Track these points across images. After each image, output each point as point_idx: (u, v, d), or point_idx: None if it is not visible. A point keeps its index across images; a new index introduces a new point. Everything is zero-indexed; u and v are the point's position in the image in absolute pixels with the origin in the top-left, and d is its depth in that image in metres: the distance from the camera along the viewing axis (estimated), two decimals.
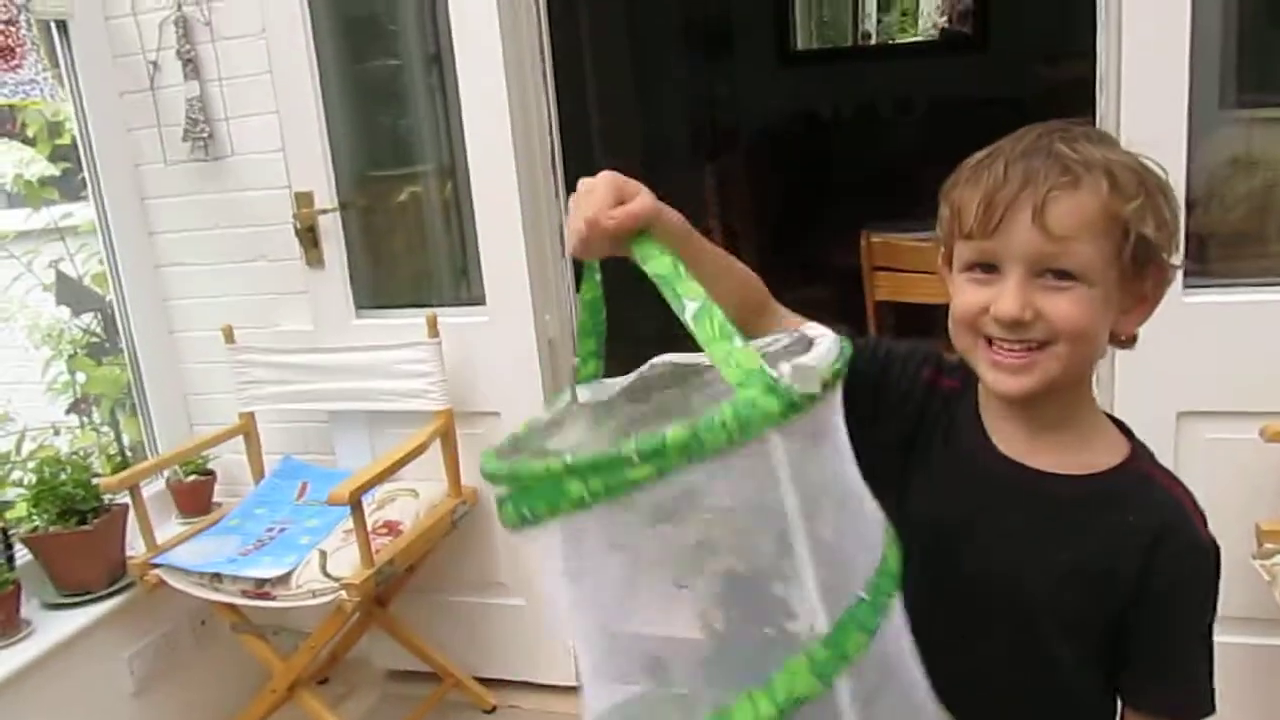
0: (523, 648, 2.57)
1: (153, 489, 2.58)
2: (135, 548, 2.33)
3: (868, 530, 0.80)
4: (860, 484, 0.80)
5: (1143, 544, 0.91)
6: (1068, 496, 0.93)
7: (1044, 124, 0.92)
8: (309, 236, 2.45)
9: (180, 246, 2.68)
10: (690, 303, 0.74)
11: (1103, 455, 0.96)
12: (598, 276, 0.89)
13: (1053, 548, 0.93)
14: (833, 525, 0.75)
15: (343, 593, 2.08)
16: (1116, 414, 2.12)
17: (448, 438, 2.38)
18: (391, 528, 2.28)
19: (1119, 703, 0.99)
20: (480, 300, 2.42)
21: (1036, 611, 0.94)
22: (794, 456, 0.70)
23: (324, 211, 2.44)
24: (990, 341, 0.91)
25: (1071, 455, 0.95)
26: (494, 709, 2.54)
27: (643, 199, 0.84)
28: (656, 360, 0.93)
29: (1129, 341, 0.96)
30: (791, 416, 0.68)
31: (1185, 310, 2.01)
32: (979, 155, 0.93)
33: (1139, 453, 0.97)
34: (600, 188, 0.84)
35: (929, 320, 3.20)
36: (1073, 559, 0.92)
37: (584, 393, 0.91)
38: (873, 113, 5.18)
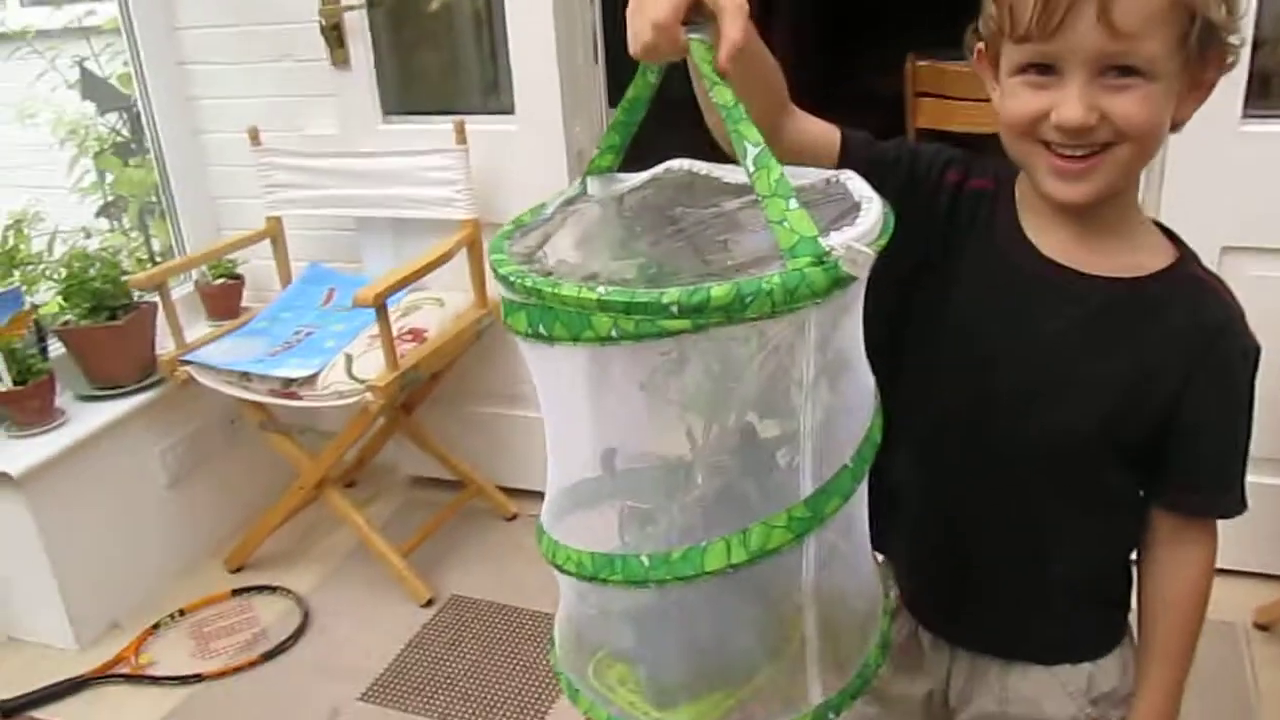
0: (544, 458, 2.61)
1: (181, 291, 2.61)
2: (165, 347, 2.36)
3: (863, 399, 0.82)
4: (862, 351, 0.79)
5: (1192, 346, 0.90)
6: (1116, 299, 0.91)
7: None
8: (334, 35, 2.38)
9: (206, 43, 2.61)
10: (752, 147, 0.71)
11: (1150, 258, 0.92)
12: (652, 77, 0.85)
13: (1100, 350, 0.91)
14: (838, 394, 0.76)
15: (368, 394, 2.11)
16: None
17: (474, 248, 2.36)
18: (416, 335, 2.29)
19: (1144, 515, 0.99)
20: (509, 109, 2.36)
21: (1079, 417, 0.92)
22: (823, 328, 0.71)
23: (350, 8, 2.36)
24: (1049, 146, 0.86)
25: (1119, 258, 0.91)
26: (515, 516, 2.61)
27: (734, 13, 0.75)
28: (673, 164, 0.90)
29: (1177, 126, 0.90)
30: (834, 293, 0.68)
31: (1242, 139, 1.93)
32: None
33: (1187, 256, 0.94)
34: None
35: (973, 149, 3.10)
36: (1121, 361, 0.91)
37: (595, 184, 0.88)
38: None
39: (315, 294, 2.54)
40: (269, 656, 2.18)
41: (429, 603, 2.30)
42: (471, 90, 2.58)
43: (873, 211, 0.73)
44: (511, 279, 0.72)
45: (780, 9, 3.90)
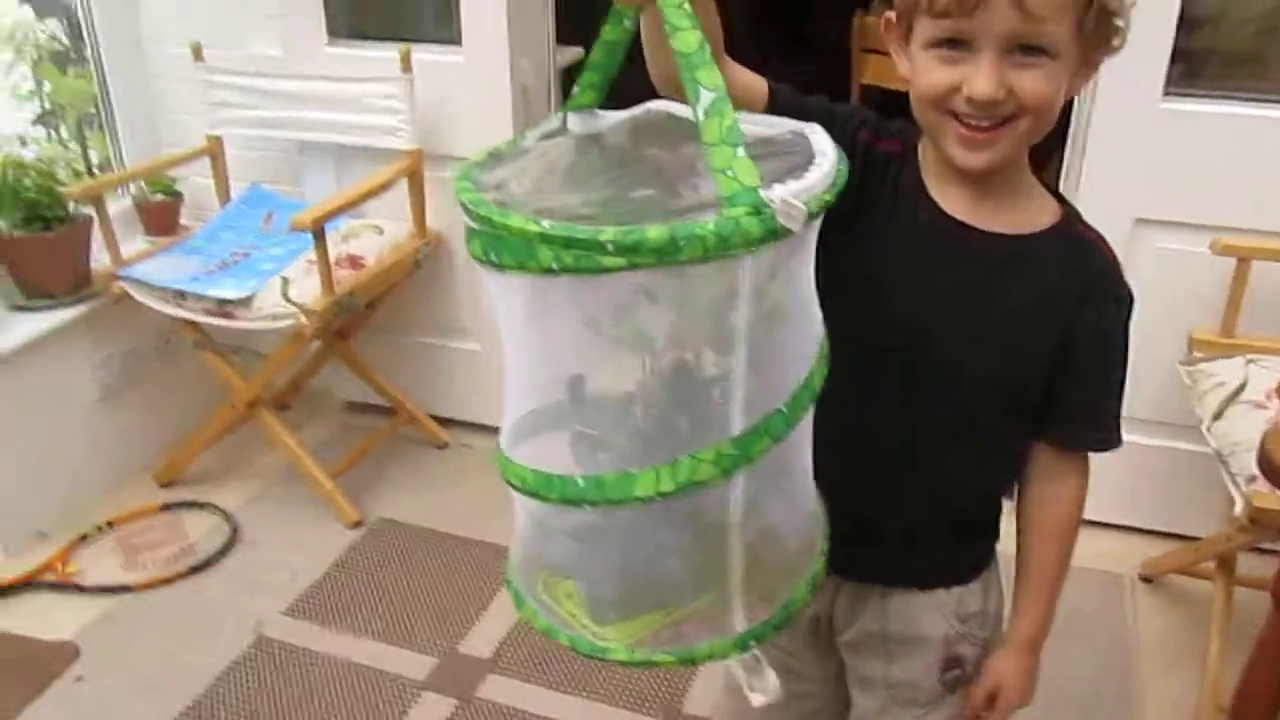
0: (478, 391, 2.66)
1: (119, 206, 2.58)
2: (100, 261, 2.35)
3: (805, 345, 0.85)
4: (812, 294, 0.84)
5: (1074, 294, 0.99)
6: (1008, 252, 0.99)
7: None
8: None
9: None
10: (706, 93, 0.73)
11: (1038, 215, 1.01)
12: (628, 23, 0.88)
13: (993, 297, 0.99)
14: (774, 340, 0.80)
15: (302, 318, 2.13)
16: None
17: (415, 178, 2.37)
18: (354, 261, 2.31)
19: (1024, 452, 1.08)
20: (457, 39, 2.36)
21: (971, 358, 1.00)
22: (759, 277, 0.74)
23: None
24: (957, 116, 0.93)
25: (1012, 216, 0.99)
26: (446, 445, 2.66)
27: None
28: (652, 106, 0.92)
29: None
30: (769, 243, 0.71)
31: (1161, 115, 2.01)
32: None
33: (1070, 214, 1.02)
34: None
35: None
36: (1014, 308, 0.99)
37: (575, 120, 0.90)
38: None
39: (254, 216, 2.54)
40: (196, 570, 2.22)
41: (357, 524, 2.35)
42: (420, 17, 2.56)
43: (821, 168, 0.76)
44: (469, 205, 0.76)
45: None
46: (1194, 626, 2.03)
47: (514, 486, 0.86)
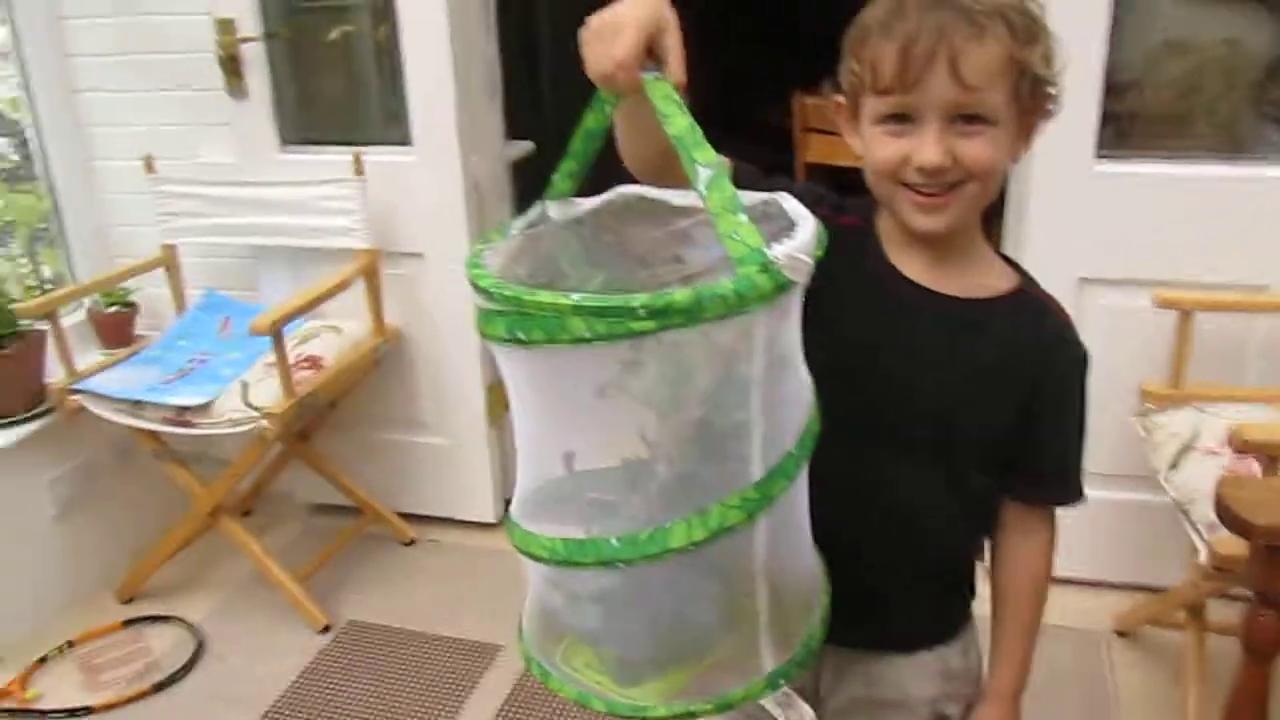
0: (443, 485, 2.65)
1: (74, 319, 2.57)
2: (56, 375, 2.33)
3: (803, 391, 0.91)
4: (800, 343, 0.88)
5: (1034, 355, 1.03)
6: (969, 315, 1.03)
7: None
8: (232, 65, 2.39)
9: (99, 71, 2.60)
10: (704, 170, 0.79)
11: (995, 280, 1.05)
12: (609, 109, 0.90)
13: (957, 358, 1.02)
14: (782, 388, 0.86)
15: (264, 422, 2.12)
16: None
17: (372, 277, 2.39)
18: (314, 362, 2.31)
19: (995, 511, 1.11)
20: (408, 140, 2.40)
21: (940, 418, 1.03)
22: (769, 329, 0.81)
23: (248, 40, 2.38)
24: (909, 185, 0.97)
25: (970, 280, 1.03)
26: (413, 542, 2.63)
27: (679, 57, 0.84)
28: (624, 190, 0.96)
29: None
30: (778, 297, 0.77)
31: (1095, 179, 2.08)
32: (883, 7, 0.96)
33: (1028, 280, 1.07)
34: (630, 30, 0.83)
35: (858, 182, 3.24)
36: (976, 367, 1.02)
37: (555, 208, 0.94)
38: None
39: (211, 322, 2.54)
40: (161, 687, 2.16)
41: (325, 629, 2.31)
42: (370, 121, 2.62)
43: (808, 227, 0.82)
44: (491, 290, 0.78)
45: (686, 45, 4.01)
46: (1171, 678, 2.03)
47: (540, 559, 0.88)
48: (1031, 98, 0.96)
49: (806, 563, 0.97)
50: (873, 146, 0.98)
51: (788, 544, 0.92)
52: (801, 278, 0.78)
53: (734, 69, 4.53)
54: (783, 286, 0.76)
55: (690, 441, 0.85)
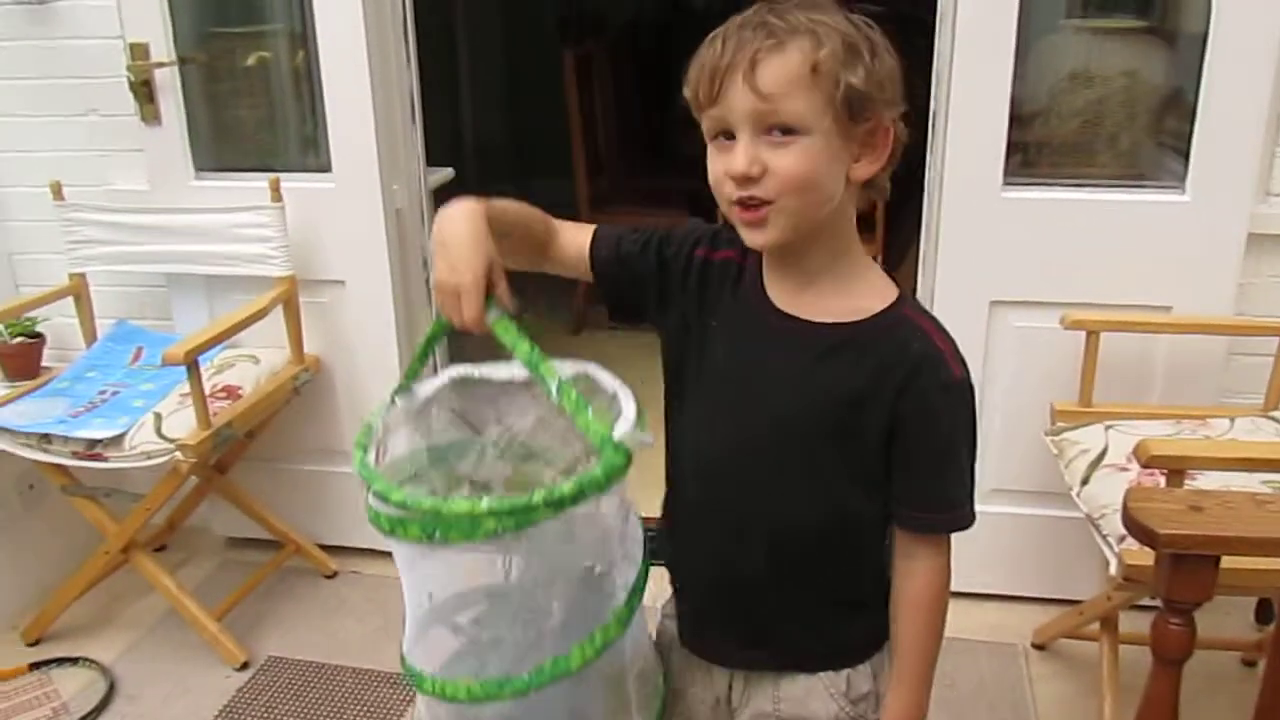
0: (364, 515, 2.60)
1: None
2: None
3: (638, 524, 1.08)
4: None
5: (896, 380, 1.02)
6: (834, 340, 1.04)
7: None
8: (144, 91, 2.35)
9: (5, 95, 2.53)
10: (551, 382, 0.95)
11: (867, 301, 1.05)
12: (446, 322, 1.00)
13: (819, 385, 1.04)
14: (629, 522, 1.05)
15: (178, 453, 2.07)
16: (936, 302, 2.27)
17: (290, 305, 2.36)
18: (231, 392, 2.26)
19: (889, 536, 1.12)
20: (327, 168, 2.38)
21: (807, 442, 1.05)
22: (622, 490, 1.00)
23: (161, 65, 2.34)
24: (737, 202, 1.00)
25: (836, 302, 1.04)
26: (335, 574, 2.59)
27: (505, 289, 0.97)
28: (454, 372, 1.11)
29: (878, 191, 1.05)
30: (628, 468, 0.95)
31: (1003, 204, 2.15)
32: (710, 38, 0.99)
33: (903, 299, 1.07)
34: (473, 294, 0.95)
35: None
36: (843, 392, 1.03)
37: (402, 400, 1.09)
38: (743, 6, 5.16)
39: (122, 352, 2.47)
40: None
41: (244, 666, 2.25)
42: (288, 148, 2.58)
43: (628, 402, 0.99)
44: (407, 503, 0.93)
45: (602, 76, 4.05)
46: (1087, 688, 2.09)
47: (458, 700, 1.02)
48: (856, 111, 0.96)
49: (649, 650, 1.18)
50: (708, 165, 1.02)
51: (640, 637, 1.12)
52: (649, 446, 0.96)
53: (655, 103, 4.59)
54: (630, 459, 0.94)
55: (579, 584, 1.05)
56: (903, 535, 1.09)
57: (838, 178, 0.99)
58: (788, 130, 0.95)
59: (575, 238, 1.13)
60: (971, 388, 1.05)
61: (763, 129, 0.96)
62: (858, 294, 1.05)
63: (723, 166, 0.98)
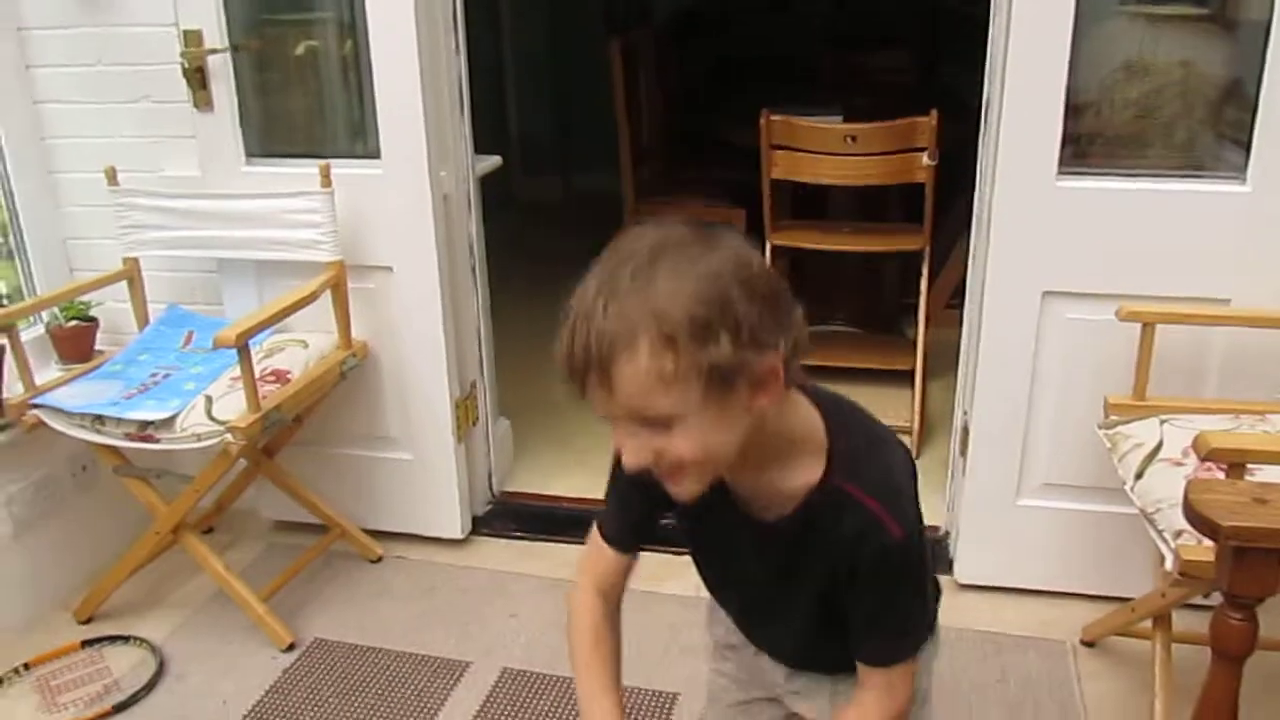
0: (410, 501, 2.62)
1: (32, 334, 2.53)
2: (13, 390, 2.28)
3: None
4: None
5: (844, 550, 1.06)
6: (786, 534, 1.10)
7: (626, 247, 0.93)
8: (197, 77, 2.37)
9: (61, 82, 2.56)
10: None
11: (802, 476, 1.07)
12: None
13: (790, 568, 1.13)
14: None
15: (228, 436, 2.09)
16: (986, 294, 2.24)
17: (338, 290, 2.37)
18: (279, 376, 2.28)
19: None
20: (376, 154, 2.39)
21: (772, 600, 1.21)
22: None
23: (214, 52, 2.36)
24: None
25: (779, 502, 1.09)
26: (380, 559, 2.60)
27: None
28: None
29: (769, 408, 0.99)
30: None
31: (1058, 194, 2.12)
32: (578, 290, 0.93)
33: (835, 464, 1.07)
34: None
35: (820, 195, 3.28)
36: (777, 573, 1.15)
37: None
38: None
39: (174, 336, 2.50)
40: (121, 708, 2.12)
41: (290, 647, 2.27)
42: (338, 134, 2.60)
43: None
44: None
45: (647, 66, 4.03)
46: (1138, 687, 2.05)
47: None
48: (730, 380, 0.91)
49: None
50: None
51: None
52: None
53: (701, 93, 4.58)
54: None
55: None
56: (861, 667, 1.15)
57: (735, 431, 0.97)
58: (663, 421, 0.93)
59: (605, 568, 1.24)
60: (913, 536, 1.07)
61: (639, 421, 0.94)
62: (792, 472, 1.07)
63: (618, 441, 0.99)
